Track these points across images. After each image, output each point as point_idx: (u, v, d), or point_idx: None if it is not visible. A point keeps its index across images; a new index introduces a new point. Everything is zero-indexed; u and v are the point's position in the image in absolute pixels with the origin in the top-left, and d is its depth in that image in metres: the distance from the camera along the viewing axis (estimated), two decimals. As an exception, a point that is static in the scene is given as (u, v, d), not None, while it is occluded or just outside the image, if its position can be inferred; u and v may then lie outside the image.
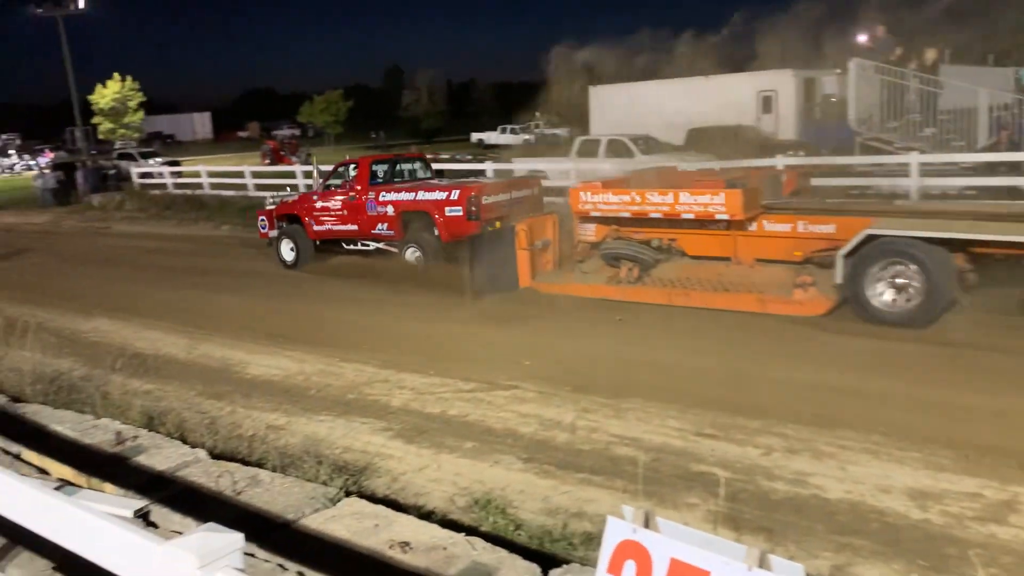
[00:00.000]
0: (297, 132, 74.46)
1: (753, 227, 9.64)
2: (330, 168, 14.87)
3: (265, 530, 3.25)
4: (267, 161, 40.42)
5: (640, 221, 10.30)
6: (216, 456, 5.08)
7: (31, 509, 2.55)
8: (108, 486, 4.47)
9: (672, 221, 9.96)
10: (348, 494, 4.38)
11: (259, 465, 5.15)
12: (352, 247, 13.99)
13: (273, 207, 15.01)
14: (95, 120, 60.14)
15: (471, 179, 15.10)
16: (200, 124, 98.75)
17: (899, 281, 8.41)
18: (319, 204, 13.99)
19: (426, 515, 4.63)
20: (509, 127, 47.48)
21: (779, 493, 5.05)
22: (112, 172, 33.12)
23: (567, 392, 7.08)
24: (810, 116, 24.48)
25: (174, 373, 8.21)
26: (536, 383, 7.35)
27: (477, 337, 9.11)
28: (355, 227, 13.55)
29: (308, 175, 20.10)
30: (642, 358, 8.03)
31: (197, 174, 28.38)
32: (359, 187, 13.48)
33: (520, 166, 20.08)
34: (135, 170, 33.07)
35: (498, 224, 11.66)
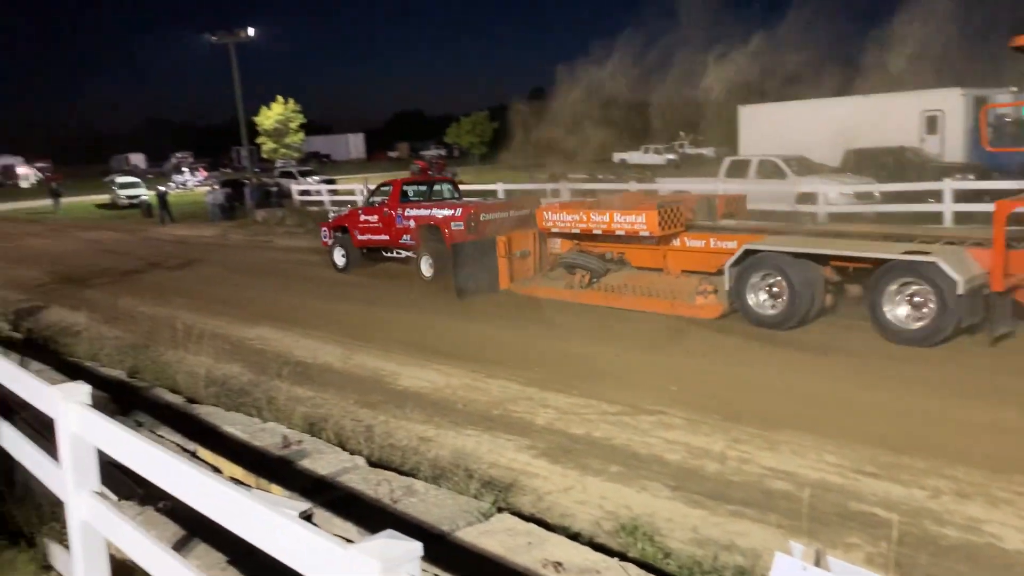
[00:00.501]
0: (444, 152, 76.71)
1: (676, 242, 11.44)
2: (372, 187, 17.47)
3: (421, 540, 3.34)
4: (415, 180, 41.86)
5: (588, 236, 12.22)
6: (373, 464, 5.28)
7: (220, 503, 2.74)
8: (275, 487, 4.73)
9: (612, 236, 11.81)
10: (500, 510, 4.45)
11: (412, 475, 5.31)
12: (388, 255, 16.01)
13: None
14: (259, 140, 64.16)
15: (478, 199, 17.44)
16: (354, 144, 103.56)
17: (775, 289, 9.88)
18: (362, 217, 16.29)
19: (572, 536, 4.63)
20: (652, 147, 47.00)
21: (949, 539, 4.73)
22: (274, 189, 35.28)
23: (716, 420, 6.91)
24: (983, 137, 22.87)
25: (331, 381, 8.62)
26: (683, 409, 7.23)
27: (622, 360, 9.05)
28: (387, 237, 15.75)
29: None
30: (795, 388, 7.75)
31: (352, 192, 29.74)
32: (391, 204, 15.75)
33: (665, 186, 19.85)
34: (295, 187, 35.10)
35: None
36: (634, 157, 49.01)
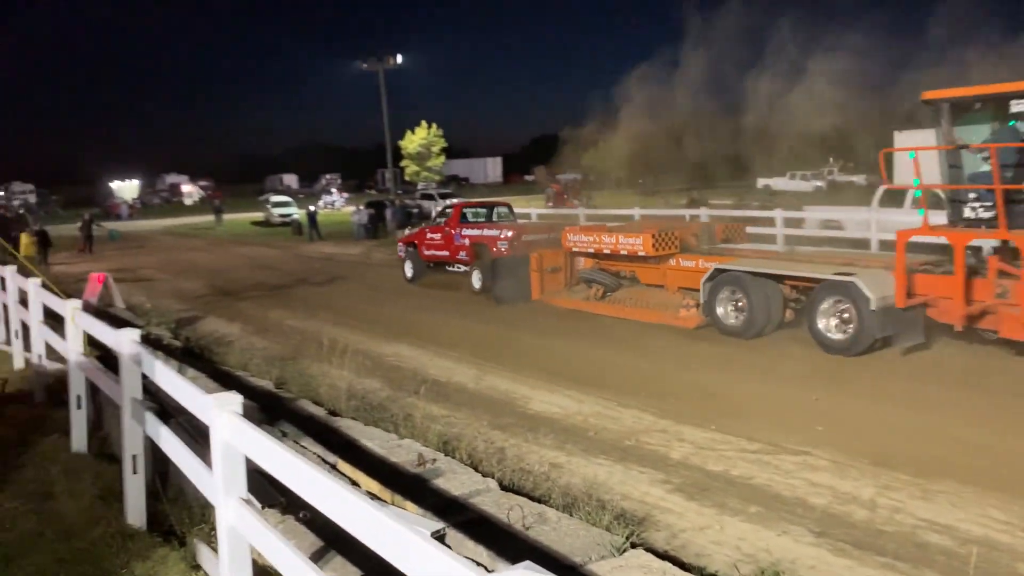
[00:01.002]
0: (580, 176, 76.92)
1: (673, 262, 13.06)
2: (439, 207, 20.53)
3: (554, 572, 3.27)
4: (550, 204, 42.12)
5: (604, 256, 14.13)
6: (505, 487, 5.25)
7: (356, 517, 2.77)
8: (409, 504, 4.78)
9: (621, 256, 13.67)
10: (633, 545, 4.31)
11: (544, 502, 5.25)
12: (450, 269, 17.82)
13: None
14: (403, 163, 66.49)
15: (522, 222, 19.70)
16: (491, 168, 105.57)
17: (739, 303, 11.38)
18: (428, 235, 18.54)
19: (709, 578, 4.44)
20: (799, 173, 45.29)
21: None
22: (415, 211, 36.38)
23: (865, 464, 6.50)
24: None
25: (465, 401, 8.71)
26: (829, 451, 6.84)
27: (762, 395, 8.69)
28: (447, 253, 17.86)
29: (589, 218, 21.28)
30: (953, 434, 7.17)
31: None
32: (452, 224, 17.92)
33: (813, 214, 19.00)
34: (435, 209, 36.04)
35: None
36: (779, 183, 47.38)
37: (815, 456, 6.74)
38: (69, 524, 5.53)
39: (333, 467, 5.67)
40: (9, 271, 10.51)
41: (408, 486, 5.08)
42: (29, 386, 9.12)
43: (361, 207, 36.43)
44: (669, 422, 7.87)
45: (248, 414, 3.72)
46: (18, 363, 10.31)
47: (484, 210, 19.21)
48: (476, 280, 16.45)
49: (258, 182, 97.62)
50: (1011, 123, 9.70)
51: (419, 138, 66.02)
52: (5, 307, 10.99)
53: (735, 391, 8.85)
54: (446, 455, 5.73)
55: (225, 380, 8.25)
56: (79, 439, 7.02)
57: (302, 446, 5.94)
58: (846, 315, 10.10)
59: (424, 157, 66.12)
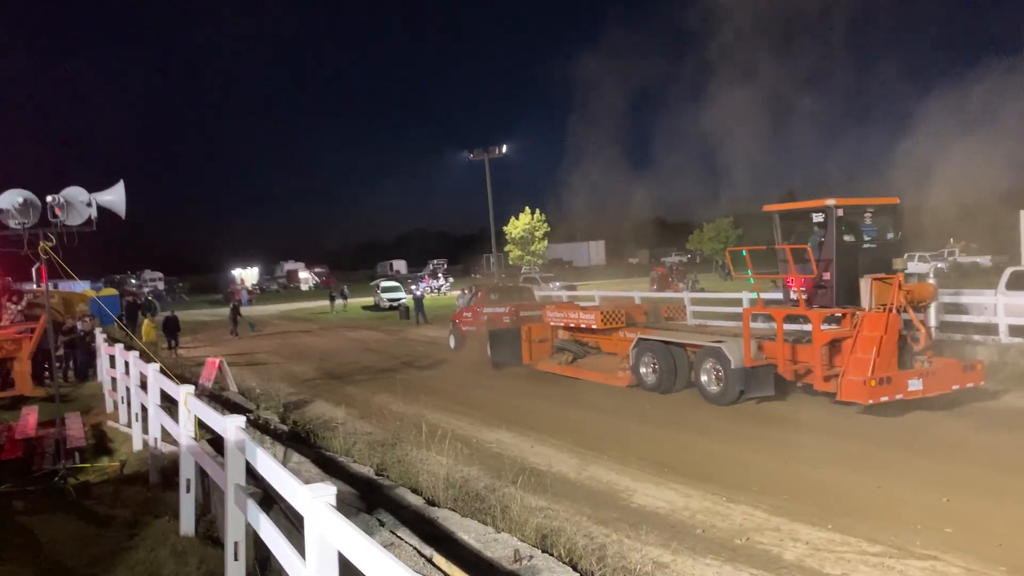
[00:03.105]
0: (685, 259, 76.18)
1: (621, 334, 16.22)
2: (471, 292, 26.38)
3: None
4: (655, 287, 41.64)
5: (573, 329, 17.41)
6: (604, 589, 5.01)
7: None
8: (505, 604, 4.60)
9: (584, 329, 16.94)
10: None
11: (646, 606, 4.97)
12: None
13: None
14: (507, 248, 67.59)
15: (526, 302, 23.02)
16: (595, 251, 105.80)
17: (655, 366, 14.41)
18: (464, 314, 23.48)
19: None
20: (918, 254, 43.37)
21: None
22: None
23: (1002, 572, 5.91)
24: None
25: (564, 492, 8.47)
26: (961, 556, 6.27)
27: (884, 493, 8.11)
28: (475, 327, 22.07)
29: (695, 301, 21.18)
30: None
31: (591, 298, 30.13)
32: (478, 303, 23.06)
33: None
34: (537, 293, 36.20)
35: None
36: (896, 264, 45.35)
37: (944, 561, 6.19)
38: (172, 610, 5.60)
39: (429, 560, 5.55)
40: (132, 356, 11.07)
41: (504, 583, 4.91)
42: (145, 467, 9.47)
43: (466, 291, 37.03)
44: (782, 519, 7.42)
45: (347, 501, 3.72)
46: (137, 445, 10.76)
47: (499, 292, 24.20)
48: (489, 348, 19.01)
49: (371, 268, 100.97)
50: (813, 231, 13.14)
51: (522, 224, 67.12)
52: (128, 390, 11.54)
53: (853, 487, 8.29)
54: (543, 551, 5.53)
55: (328, 466, 8.33)
56: (187, 522, 7.18)
57: (399, 536, 5.86)
58: (718, 373, 13.04)
59: (527, 242, 67.03)
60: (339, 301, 48.82)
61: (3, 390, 16.05)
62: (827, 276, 12.79)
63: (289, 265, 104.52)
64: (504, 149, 55.90)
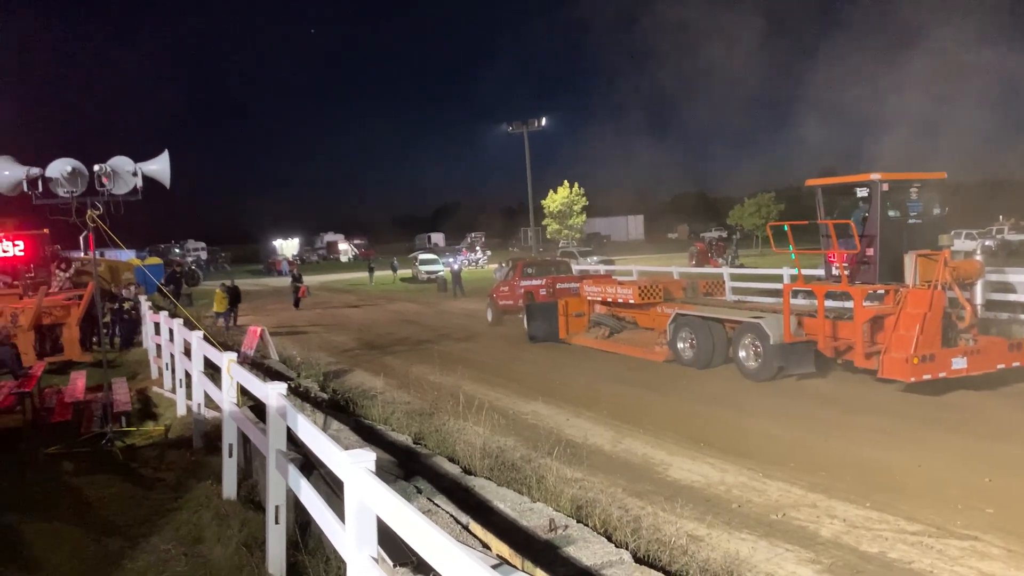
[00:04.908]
0: (725, 234, 75.35)
1: (658, 309, 16.25)
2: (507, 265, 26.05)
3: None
4: (693, 262, 41.29)
5: (611, 303, 17.45)
6: (639, 560, 5.03)
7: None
8: (540, 572, 4.64)
9: (622, 304, 16.92)
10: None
11: (680, 578, 4.99)
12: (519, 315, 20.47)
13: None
14: (545, 222, 67.39)
15: (564, 275, 23.16)
16: (633, 226, 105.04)
17: (692, 341, 14.34)
18: (500, 288, 23.78)
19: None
20: (964, 231, 42.29)
21: None
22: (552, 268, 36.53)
23: (1046, 556, 5.81)
24: None
25: (600, 464, 8.51)
26: (1001, 537, 6.19)
27: (924, 471, 8.01)
28: (511, 301, 22.60)
29: (734, 277, 20.97)
30: None
31: (629, 272, 30.00)
32: (515, 277, 23.27)
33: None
34: (575, 267, 36.12)
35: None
36: (942, 240, 44.42)
37: (984, 542, 6.11)
38: (215, 570, 5.76)
39: (465, 527, 5.62)
40: (176, 323, 11.30)
41: (538, 552, 4.95)
42: (189, 432, 9.70)
43: (503, 264, 37.07)
44: (819, 496, 7.38)
45: (385, 468, 3.78)
46: (181, 410, 11.02)
47: (535, 265, 24.17)
48: (524, 321, 19.17)
49: (410, 240, 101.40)
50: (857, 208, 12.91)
51: (561, 197, 66.82)
52: (172, 357, 11.79)
53: (893, 465, 8.20)
54: (578, 521, 5.56)
55: (367, 434, 8.44)
56: (229, 486, 7.36)
57: (435, 504, 5.94)
58: (757, 350, 12.96)
59: (566, 216, 66.76)
60: (386, 272, 49.18)
61: (52, 355, 16.51)
62: (871, 252, 12.59)
63: (329, 236, 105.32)
64: (544, 122, 55.58)
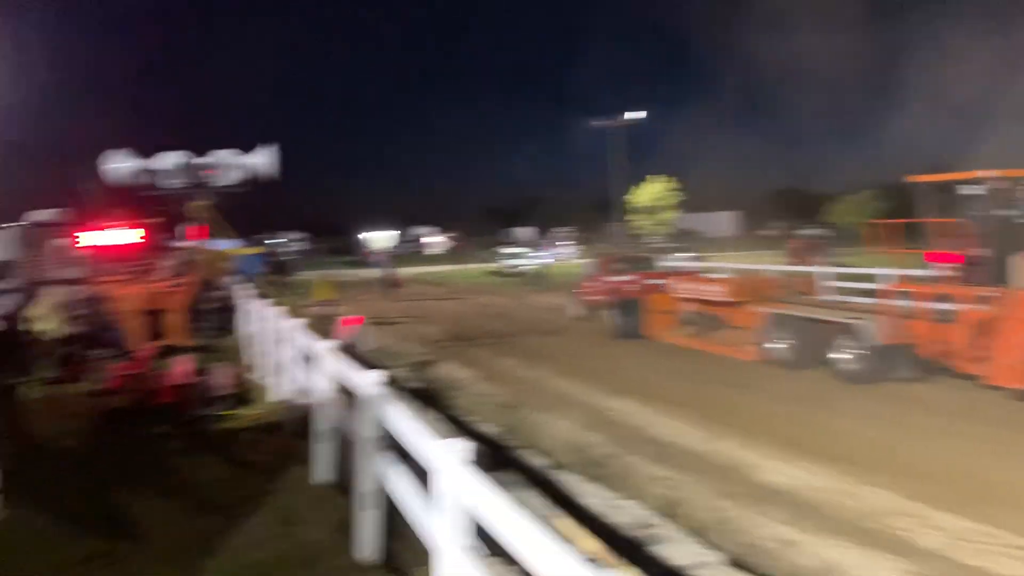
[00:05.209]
0: (821, 232, 72.96)
1: (750, 307, 15.47)
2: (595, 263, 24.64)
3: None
4: (789, 259, 40.09)
5: (698, 301, 17.01)
6: (728, 562, 4.95)
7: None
8: (632, 570, 4.62)
9: (708, 301, 16.60)
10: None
11: (772, 583, 4.88)
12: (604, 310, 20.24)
13: None
14: (633, 216, 66.66)
15: (652, 271, 22.42)
16: (726, 222, 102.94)
17: (786, 341, 13.97)
18: (585, 283, 23.18)
19: None
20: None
21: None
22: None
23: None
24: None
25: (687, 464, 8.38)
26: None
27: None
28: (597, 297, 21.50)
29: (830, 276, 20.24)
30: None
31: (720, 269, 29.40)
32: (601, 273, 22.62)
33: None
34: (663, 263, 35.63)
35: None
36: None
37: (1104, 563, 5.75)
38: (309, 551, 5.94)
39: (552, 521, 5.64)
40: (272, 311, 11.68)
41: (625, 549, 4.93)
42: (283, 417, 10.02)
43: (590, 259, 36.85)
44: (918, 505, 7.08)
45: (475, 461, 3.80)
46: (275, 396, 11.39)
47: (621, 261, 23.60)
48: (608, 318, 19.19)
49: (498, 233, 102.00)
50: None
51: (651, 192, 65.98)
52: (268, 344, 12.19)
53: (1001, 477, 7.79)
54: (667, 520, 5.51)
55: (454, 424, 8.56)
56: (320, 471, 7.57)
57: (522, 497, 5.98)
58: (858, 351, 12.44)
59: (655, 211, 65.89)
60: (475, 265, 49.67)
61: (156, 340, 17.30)
62: (977, 253, 12.02)
63: (421, 229, 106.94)
64: (627, 116, 55.04)
